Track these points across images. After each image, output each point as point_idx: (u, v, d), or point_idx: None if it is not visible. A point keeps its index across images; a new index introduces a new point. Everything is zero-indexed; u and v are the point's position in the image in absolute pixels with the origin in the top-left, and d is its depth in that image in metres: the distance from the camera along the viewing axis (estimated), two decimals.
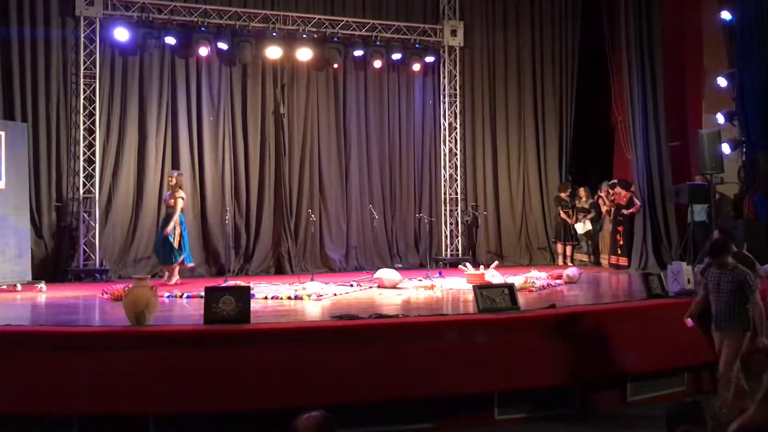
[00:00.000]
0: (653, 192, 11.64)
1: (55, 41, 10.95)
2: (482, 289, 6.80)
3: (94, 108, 11.16)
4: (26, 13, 10.71)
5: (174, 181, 10.24)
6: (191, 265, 10.49)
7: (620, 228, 11.80)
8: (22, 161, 10.15)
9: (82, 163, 11.08)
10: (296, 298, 8.33)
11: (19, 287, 9.44)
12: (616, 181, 12.31)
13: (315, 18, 12.29)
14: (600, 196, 12.37)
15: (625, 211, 11.67)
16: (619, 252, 11.82)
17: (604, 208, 12.30)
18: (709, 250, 6.22)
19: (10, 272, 9.62)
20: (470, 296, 7.53)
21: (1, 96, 10.50)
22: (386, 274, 9.71)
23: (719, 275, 5.96)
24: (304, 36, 12.14)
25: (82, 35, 11.07)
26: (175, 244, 9.96)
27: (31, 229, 10.39)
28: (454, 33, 13.18)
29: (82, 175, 11.10)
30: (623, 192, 11.84)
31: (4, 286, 9.37)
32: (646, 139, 11.74)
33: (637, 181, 11.86)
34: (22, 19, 10.68)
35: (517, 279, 8.96)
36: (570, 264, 12.31)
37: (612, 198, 12.08)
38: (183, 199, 10.31)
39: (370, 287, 9.54)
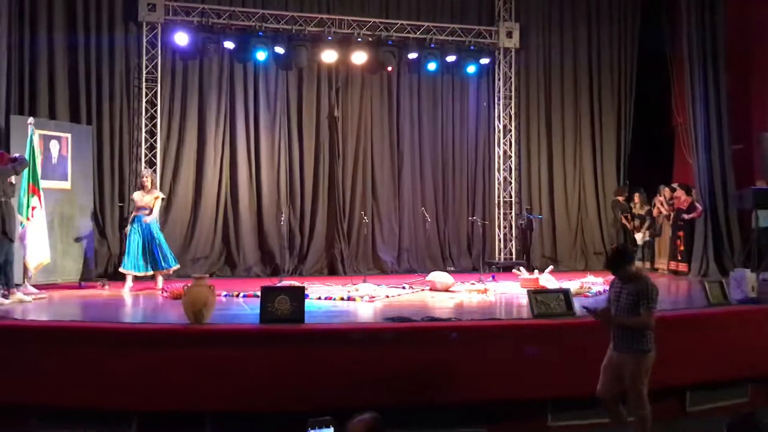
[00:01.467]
0: (715, 196, 11.28)
1: (118, 47, 11.29)
2: (537, 293, 6.73)
3: (155, 111, 11.48)
4: (92, 21, 11.08)
5: (149, 180, 9.68)
6: (142, 273, 9.45)
7: (680, 233, 11.49)
8: (86, 162, 10.52)
9: (143, 164, 11.40)
10: (349, 299, 8.40)
11: (82, 285, 9.77)
12: (676, 185, 12.00)
13: (370, 21, 12.36)
14: (660, 200, 12.05)
15: (686, 216, 11.37)
16: (679, 258, 11.51)
17: (663, 213, 11.99)
18: (606, 261, 5.65)
19: (74, 270, 9.98)
20: (524, 301, 7.46)
21: (67, 99, 10.88)
22: (439, 277, 9.68)
23: (620, 288, 5.29)
24: (359, 39, 12.22)
25: (145, 40, 11.40)
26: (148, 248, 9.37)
27: (94, 228, 10.75)
28: (509, 34, 13.06)
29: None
30: (684, 196, 11.53)
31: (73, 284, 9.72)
32: (708, 142, 11.38)
33: (698, 184, 11.52)
34: (88, 26, 11.06)
35: (572, 284, 8.82)
36: None
37: (672, 202, 11.78)
38: (163, 198, 10.04)
39: (422, 290, 9.53)
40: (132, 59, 11.46)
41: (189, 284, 6.45)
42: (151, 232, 9.40)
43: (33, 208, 8.65)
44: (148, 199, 9.50)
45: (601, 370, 5.37)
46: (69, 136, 10.26)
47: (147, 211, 9.43)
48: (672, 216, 11.74)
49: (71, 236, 10.12)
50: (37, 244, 8.74)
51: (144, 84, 11.43)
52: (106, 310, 7.75)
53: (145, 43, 11.40)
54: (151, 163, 11.43)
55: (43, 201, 8.89)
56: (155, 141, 11.48)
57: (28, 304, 7.83)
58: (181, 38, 11.44)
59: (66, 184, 10.09)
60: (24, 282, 8.62)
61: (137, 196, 9.59)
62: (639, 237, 12.31)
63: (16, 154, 8.43)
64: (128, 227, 9.54)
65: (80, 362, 5.76)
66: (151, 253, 9.36)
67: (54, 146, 10.02)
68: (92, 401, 5.69)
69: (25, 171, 8.64)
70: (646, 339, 5.13)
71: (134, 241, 9.33)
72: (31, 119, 9.09)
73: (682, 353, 6.44)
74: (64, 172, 10.16)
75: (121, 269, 9.43)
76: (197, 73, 11.86)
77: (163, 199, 9.93)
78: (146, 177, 9.68)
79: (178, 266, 9.77)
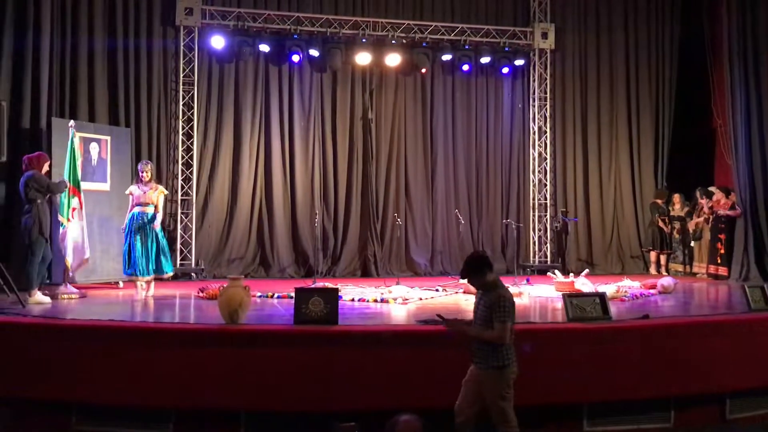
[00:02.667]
0: (756, 199, 11.04)
1: (156, 50, 11.47)
2: (572, 297, 6.66)
3: (192, 114, 11.63)
4: (131, 25, 11.27)
5: (149, 172, 8.89)
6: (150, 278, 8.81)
7: (721, 236, 11.27)
8: (125, 164, 10.70)
9: (180, 166, 11.57)
10: (382, 301, 8.41)
11: (120, 285, 9.94)
12: (715, 187, 11.78)
13: (404, 23, 12.37)
14: (700, 203, 11.83)
15: (725, 211, 11.13)
16: (719, 261, 11.30)
17: (703, 216, 11.78)
18: (462, 269, 5.12)
19: (113, 270, 10.14)
20: (559, 304, 7.40)
21: (107, 102, 11.07)
22: None
23: (479, 298, 5.03)
24: (393, 41, 12.23)
25: (182, 44, 11.57)
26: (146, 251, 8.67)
27: None
28: (544, 36, 12.95)
29: (180, 178, 11.58)
30: (723, 199, 11.32)
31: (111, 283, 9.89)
32: (748, 143, 11.16)
33: (738, 187, 11.29)
34: (127, 30, 11.24)
35: (608, 288, 8.69)
36: (664, 273, 11.87)
37: (711, 205, 11.57)
38: (166, 194, 9.22)
39: (456, 292, 9.49)
40: (169, 63, 11.64)
41: (224, 285, 6.52)
42: (158, 237, 8.73)
43: (73, 209, 8.81)
44: (151, 195, 8.72)
45: (462, 384, 5.06)
46: (108, 138, 10.45)
47: (151, 209, 8.67)
48: (711, 219, 11.53)
49: (110, 237, 10.30)
50: (77, 244, 8.90)
51: (181, 87, 11.59)
52: (143, 309, 7.87)
53: (182, 47, 11.57)
54: (188, 165, 11.59)
55: (84, 202, 9.06)
56: (192, 143, 11.63)
57: (71, 302, 8.08)
58: (218, 42, 11.58)
59: (105, 186, 10.26)
60: (64, 282, 8.79)
61: (136, 190, 8.79)
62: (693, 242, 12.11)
63: (62, 178, 8.62)
64: (125, 225, 8.73)
65: (118, 361, 5.86)
66: (156, 258, 8.71)
67: (94, 148, 10.22)
68: (130, 399, 5.79)
69: (66, 172, 8.83)
70: (501, 354, 4.82)
71: (139, 244, 8.57)
72: (72, 122, 9.27)
73: (722, 359, 6.33)
74: (104, 174, 10.35)
75: (130, 276, 8.73)
76: (233, 76, 11.99)
77: (165, 195, 9.22)
78: (146, 168, 8.87)
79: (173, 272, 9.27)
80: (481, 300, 4.94)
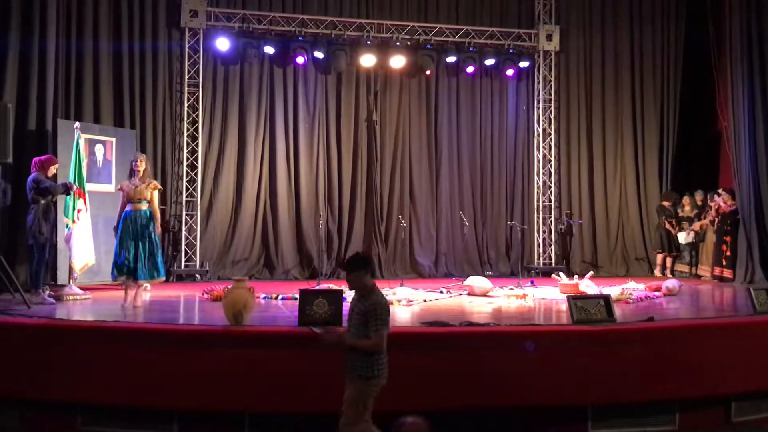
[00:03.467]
0: (761, 201, 11.01)
1: (161, 52, 11.50)
2: (577, 299, 6.65)
3: (197, 115, 11.66)
4: (136, 27, 11.29)
5: (143, 165, 7.96)
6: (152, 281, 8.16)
7: (727, 238, 11.24)
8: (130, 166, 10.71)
9: (185, 167, 11.59)
10: None
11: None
12: (721, 189, 11.75)
13: (408, 25, 12.38)
14: (710, 206, 11.81)
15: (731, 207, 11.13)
16: (725, 264, 11.26)
17: (709, 218, 11.75)
18: (345, 266, 4.95)
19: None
20: (564, 307, 7.40)
21: (112, 104, 11.09)
22: (477, 281, 9.62)
23: (354, 303, 4.79)
24: (398, 43, 12.24)
25: (187, 46, 11.59)
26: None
27: None
28: (549, 37, 12.94)
29: (185, 179, 11.60)
30: (730, 201, 11.29)
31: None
32: (753, 145, 11.13)
33: (739, 188, 11.25)
34: (132, 32, 11.27)
35: (613, 290, 8.67)
36: (669, 275, 11.84)
37: (716, 207, 11.54)
38: (160, 189, 8.32)
39: (460, 294, 9.48)
40: (174, 65, 11.67)
41: (229, 286, 6.53)
42: (151, 239, 7.86)
43: (78, 211, 8.82)
44: (143, 190, 7.84)
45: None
46: (113, 140, 10.49)
47: (144, 205, 7.81)
48: (716, 221, 11.50)
49: (115, 239, 10.31)
50: (82, 245, 8.91)
51: (186, 89, 11.62)
52: (149, 311, 7.88)
53: (187, 49, 11.60)
54: (192, 167, 11.62)
55: (89, 204, 9.08)
56: (197, 145, 11.65)
57: (76, 303, 8.11)
58: (223, 44, 11.61)
59: (110, 188, 10.28)
60: (69, 283, 8.82)
61: (127, 185, 7.92)
62: (682, 236, 12.10)
63: (68, 181, 8.61)
64: (118, 224, 7.86)
65: (123, 362, 5.88)
66: (148, 262, 7.81)
67: (99, 150, 10.26)
68: (134, 400, 5.81)
69: (71, 174, 8.86)
70: (372, 364, 4.62)
71: (132, 246, 7.74)
72: (77, 124, 9.30)
73: (727, 362, 6.31)
74: (109, 176, 10.38)
75: (116, 281, 8.03)
76: (238, 78, 12.02)
77: (160, 190, 8.36)
78: (140, 160, 7.97)
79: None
80: (356, 306, 4.75)
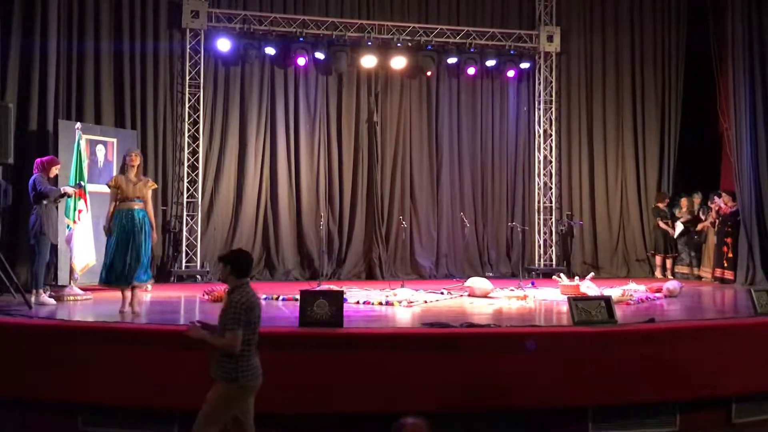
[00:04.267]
0: (762, 202, 11.01)
1: (162, 53, 11.51)
2: (577, 301, 6.64)
3: (198, 116, 11.66)
4: (137, 28, 11.30)
5: (138, 160, 7.52)
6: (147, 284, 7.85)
7: (728, 240, 11.23)
8: None
9: (186, 168, 11.59)
10: (387, 304, 8.40)
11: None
12: (722, 191, 11.75)
13: (409, 26, 12.38)
14: (710, 208, 11.81)
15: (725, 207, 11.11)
16: (726, 265, 11.26)
17: (709, 219, 11.75)
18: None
19: None
20: (564, 308, 7.39)
21: (113, 105, 11.10)
22: (477, 282, 9.62)
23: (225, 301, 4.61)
24: (399, 44, 12.25)
25: (188, 47, 11.60)
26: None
27: None
28: (550, 39, 12.94)
29: (185, 180, 11.61)
30: (731, 202, 11.29)
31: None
32: (754, 146, 11.13)
33: (740, 189, 11.24)
34: (133, 33, 11.27)
35: (613, 291, 8.67)
36: (670, 277, 11.84)
37: (717, 208, 11.54)
38: (155, 187, 7.97)
39: (461, 295, 9.48)
40: (175, 65, 11.68)
41: None
42: (144, 241, 7.39)
43: (79, 211, 8.83)
44: (142, 188, 7.44)
45: None
46: (114, 140, 10.49)
47: (139, 204, 7.38)
48: (717, 223, 11.50)
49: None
50: (83, 246, 8.92)
51: (187, 90, 11.63)
52: (150, 312, 7.88)
53: (188, 50, 11.60)
54: (193, 168, 11.62)
55: (89, 204, 9.09)
56: (198, 146, 11.66)
57: (77, 304, 8.12)
58: (224, 44, 11.61)
59: None
60: (70, 283, 8.82)
61: (125, 181, 7.39)
62: (677, 231, 12.09)
63: (74, 184, 8.66)
64: (112, 223, 7.36)
65: (124, 362, 5.87)
66: (138, 264, 7.34)
67: (100, 151, 10.26)
68: (136, 400, 5.80)
69: (72, 175, 8.86)
70: (233, 365, 4.40)
71: (126, 248, 7.30)
72: (78, 124, 9.30)
73: (728, 363, 6.31)
74: (110, 176, 10.29)
75: (107, 285, 7.44)
76: (239, 79, 12.02)
77: (155, 188, 8.04)
78: (135, 155, 7.52)
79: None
80: (224, 302, 4.60)
